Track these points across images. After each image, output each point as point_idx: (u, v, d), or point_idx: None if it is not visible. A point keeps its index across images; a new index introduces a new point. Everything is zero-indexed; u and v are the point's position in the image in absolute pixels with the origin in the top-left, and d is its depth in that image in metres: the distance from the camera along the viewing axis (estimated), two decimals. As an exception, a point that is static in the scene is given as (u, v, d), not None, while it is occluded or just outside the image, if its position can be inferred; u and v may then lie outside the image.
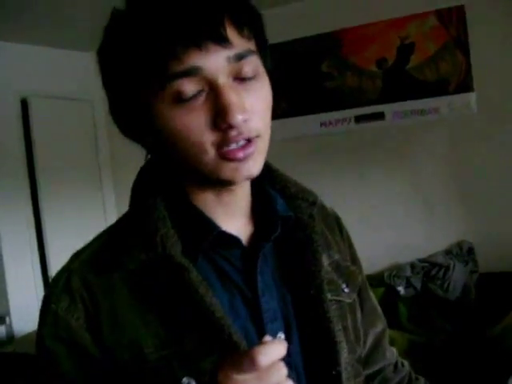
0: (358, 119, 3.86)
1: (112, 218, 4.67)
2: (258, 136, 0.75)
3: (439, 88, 3.63)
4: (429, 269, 3.44)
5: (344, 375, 0.82)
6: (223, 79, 0.72)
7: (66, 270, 0.81)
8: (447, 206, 3.66)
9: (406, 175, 3.76)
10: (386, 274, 3.54)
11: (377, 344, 1.00)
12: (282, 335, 0.81)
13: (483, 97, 3.50)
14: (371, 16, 3.75)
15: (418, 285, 3.41)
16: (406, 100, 3.72)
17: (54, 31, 3.99)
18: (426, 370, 1.49)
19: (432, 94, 3.65)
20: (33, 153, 4.17)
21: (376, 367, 1.01)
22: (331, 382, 0.82)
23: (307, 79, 4.00)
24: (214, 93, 0.72)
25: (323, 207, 0.97)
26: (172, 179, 0.83)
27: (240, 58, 0.73)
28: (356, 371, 0.87)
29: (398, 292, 3.39)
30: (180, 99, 0.72)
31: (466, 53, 3.54)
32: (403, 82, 3.74)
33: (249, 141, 0.74)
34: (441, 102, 3.62)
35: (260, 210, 0.87)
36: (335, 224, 0.99)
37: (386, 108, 3.77)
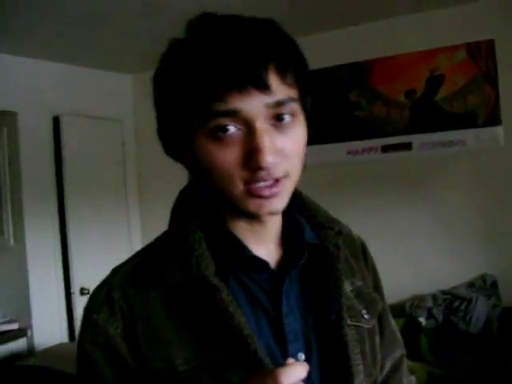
0: (385, 149, 3.86)
1: (136, 236, 4.69)
2: (286, 176, 0.80)
3: (467, 120, 3.61)
4: (451, 301, 3.41)
5: None
6: (260, 123, 0.77)
7: (106, 284, 0.87)
8: (471, 239, 3.62)
9: (431, 206, 3.74)
10: (407, 305, 3.51)
11: (394, 369, 1.03)
12: (302, 355, 0.85)
13: (511, 131, 3.49)
14: (401, 47, 3.78)
15: (440, 316, 3.37)
16: (433, 131, 3.71)
17: (91, 53, 4.11)
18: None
19: (460, 126, 3.63)
20: (62, 168, 4.24)
21: (393, 392, 1.03)
22: None
23: (335, 107, 4.02)
24: (250, 133, 0.77)
25: (350, 235, 1.03)
26: (209, 203, 0.89)
27: (279, 104, 0.78)
28: None
29: (419, 323, 3.36)
30: (219, 134, 0.77)
31: (495, 86, 3.53)
32: (431, 113, 3.73)
33: (277, 180, 0.79)
34: (468, 135, 3.60)
35: (289, 237, 0.92)
36: (360, 252, 1.04)
37: (413, 138, 3.76)
